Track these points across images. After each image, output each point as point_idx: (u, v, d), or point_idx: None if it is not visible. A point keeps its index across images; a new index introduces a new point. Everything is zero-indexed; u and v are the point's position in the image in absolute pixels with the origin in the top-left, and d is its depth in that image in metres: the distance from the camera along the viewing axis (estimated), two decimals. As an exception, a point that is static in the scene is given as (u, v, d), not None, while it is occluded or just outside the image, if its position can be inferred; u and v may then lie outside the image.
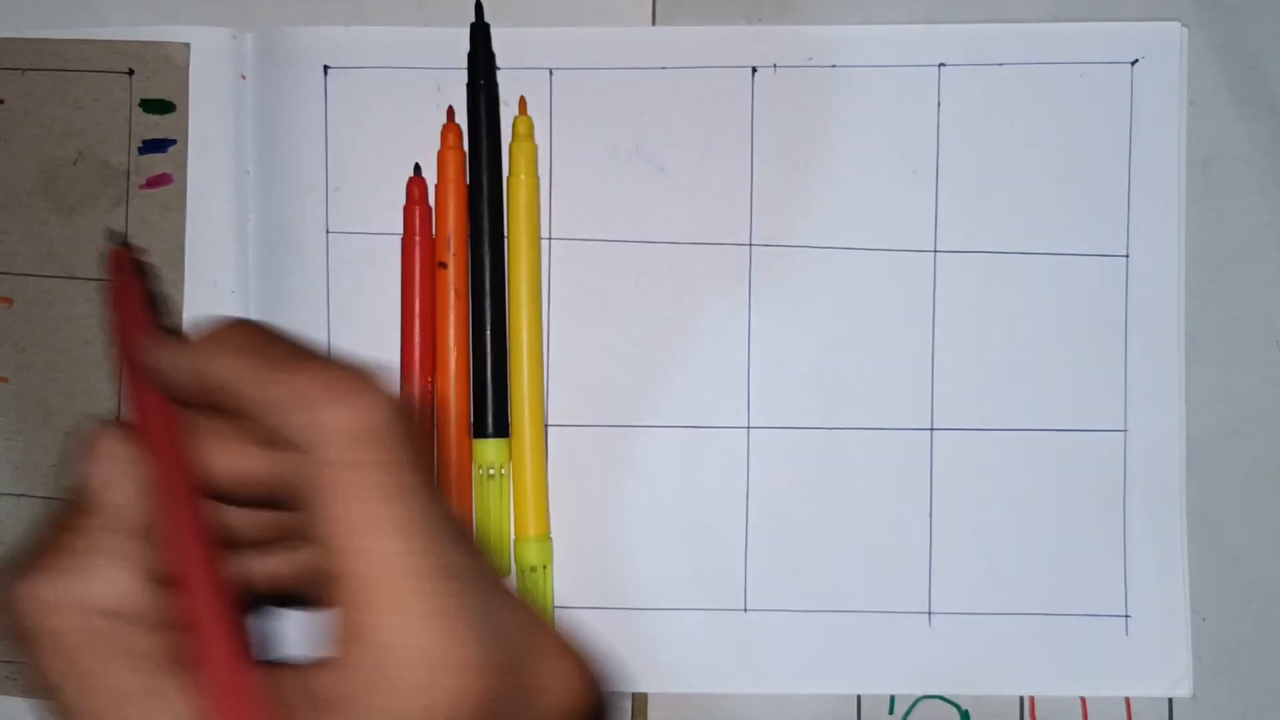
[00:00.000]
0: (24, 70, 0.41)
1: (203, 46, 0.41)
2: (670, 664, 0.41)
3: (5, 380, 0.41)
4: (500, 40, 0.40)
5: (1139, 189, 0.40)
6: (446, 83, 0.41)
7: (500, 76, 0.41)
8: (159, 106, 0.41)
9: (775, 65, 0.41)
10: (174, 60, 0.41)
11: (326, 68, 0.41)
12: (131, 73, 0.41)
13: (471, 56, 0.40)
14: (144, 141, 0.41)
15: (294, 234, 0.41)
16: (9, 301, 0.41)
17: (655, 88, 0.41)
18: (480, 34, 0.40)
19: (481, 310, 0.39)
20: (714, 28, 0.41)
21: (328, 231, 0.41)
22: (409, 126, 0.41)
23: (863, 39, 0.40)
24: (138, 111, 0.41)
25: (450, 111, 0.40)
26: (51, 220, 0.41)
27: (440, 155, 0.40)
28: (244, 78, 0.41)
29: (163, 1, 0.41)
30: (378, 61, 0.41)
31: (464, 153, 0.40)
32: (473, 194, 0.40)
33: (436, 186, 0.40)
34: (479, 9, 0.40)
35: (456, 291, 0.39)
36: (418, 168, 0.40)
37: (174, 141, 0.41)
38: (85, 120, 0.41)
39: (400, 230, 0.40)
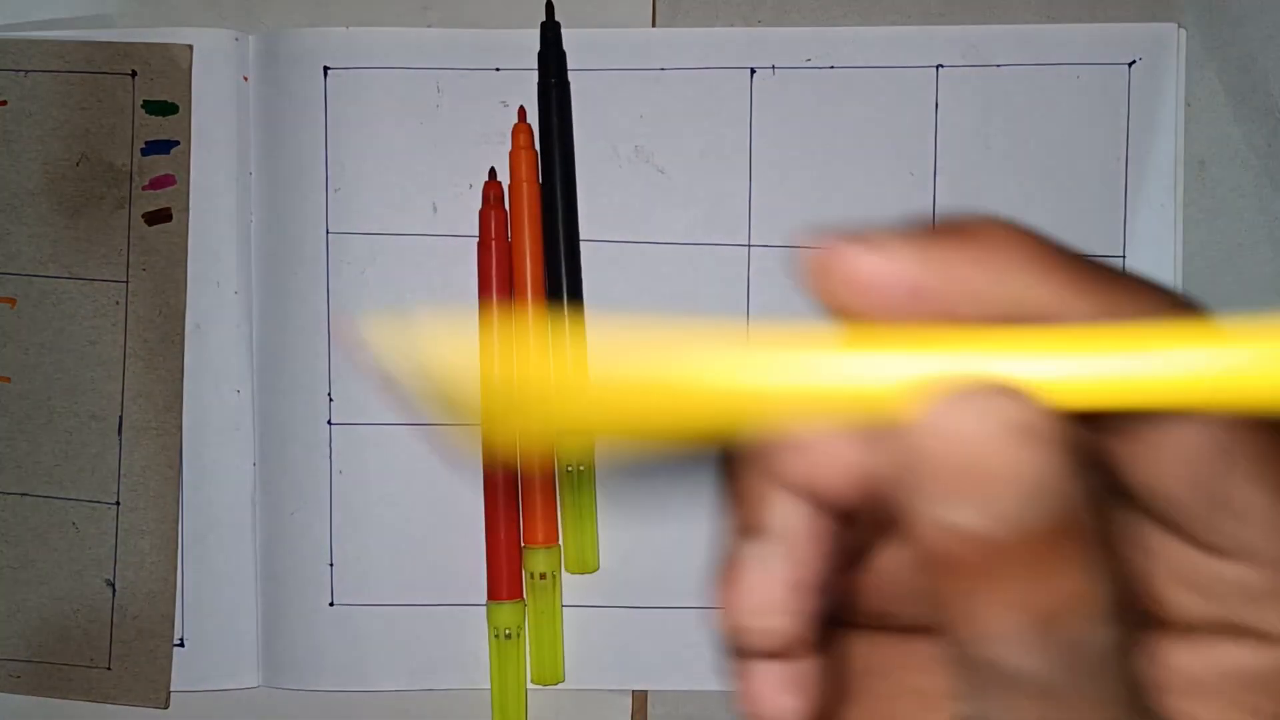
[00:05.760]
0: (27, 72, 0.41)
1: (205, 48, 0.41)
2: (671, 661, 0.41)
3: (8, 380, 0.41)
4: (500, 41, 0.41)
5: (1136, 190, 0.40)
6: (446, 83, 0.41)
7: (500, 78, 0.41)
8: (162, 108, 0.41)
9: (774, 67, 0.41)
10: (177, 62, 0.41)
11: (326, 69, 0.41)
12: (134, 74, 0.41)
13: (542, 55, 0.40)
14: (147, 143, 0.41)
15: (295, 234, 0.41)
16: (12, 302, 0.41)
17: (654, 89, 0.41)
18: (551, 32, 0.40)
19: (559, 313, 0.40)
20: (713, 29, 0.41)
21: (328, 232, 0.41)
22: (409, 127, 0.41)
23: (861, 40, 0.41)
24: (140, 113, 0.41)
25: (521, 111, 0.40)
26: (55, 221, 0.41)
27: (512, 155, 0.40)
28: (246, 79, 0.41)
29: (166, 4, 0.42)
30: (377, 62, 0.41)
31: (535, 152, 0.40)
32: (545, 193, 0.40)
33: (510, 187, 0.40)
34: (549, 8, 0.40)
35: (534, 293, 0.40)
36: (493, 171, 0.40)
37: (177, 142, 0.41)
38: (88, 121, 0.41)
39: (401, 230, 0.41)
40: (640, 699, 0.41)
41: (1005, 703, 0.18)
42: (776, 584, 0.19)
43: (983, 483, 0.16)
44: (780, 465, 0.18)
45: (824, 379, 0.17)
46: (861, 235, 0.17)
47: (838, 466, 0.17)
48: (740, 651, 0.20)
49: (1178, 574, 0.19)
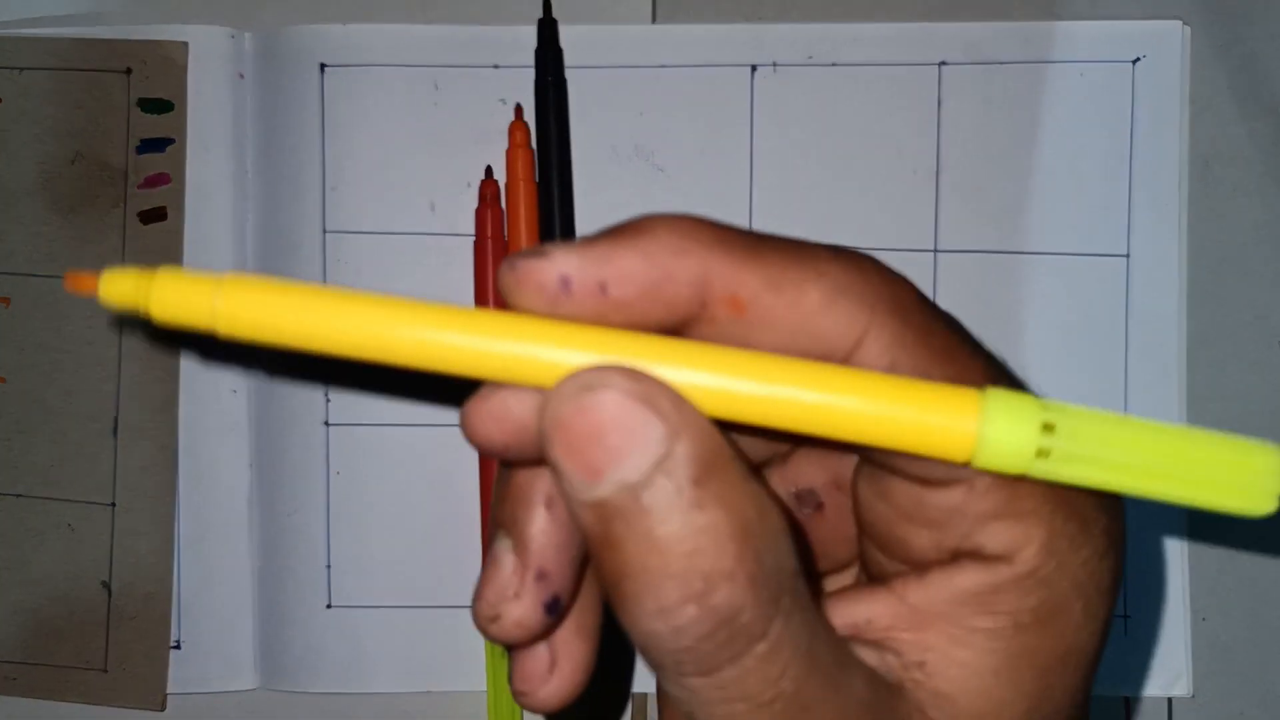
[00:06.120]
0: (22, 69, 0.41)
1: (201, 46, 0.41)
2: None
3: (3, 380, 0.41)
4: (499, 38, 0.40)
5: (1140, 188, 0.40)
6: (444, 81, 0.40)
7: (498, 75, 0.40)
8: (157, 106, 0.41)
9: (775, 64, 0.40)
10: (173, 59, 0.40)
11: (323, 66, 0.41)
12: (129, 72, 0.41)
13: (539, 53, 0.40)
14: (142, 141, 0.41)
15: (292, 234, 0.41)
16: (7, 301, 0.41)
17: (654, 87, 0.40)
18: (548, 29, 0.40)
19: None
20: (713, 26, 0.40)
21: (324, 231, 0.41)
22: (406, 125, 0.40)
23: (863, 37, 0.40)
24: (135, 111, 0.41)
25: (519, 109, 0.40)
26: (51, 220, 0.41)
27: (509, 154, 0.40)
28: (242, 77, 0.41)
29: (161, 1, 0.41)
30: (375, 60, 0.40)
31: (532, 151, 0.40)
32: (542, 192, 0.40)
33: (507, 185, 0.40)
34: (546, 4, 0.40)
35: None
36: (489, 170, 0.40)
37: (172, 141, 0.41)
38: (83, 120, 0.41)
39: (398, 229, 0.40)
40: (640, 701, 0.41)
41: (679, 684, 0.18)
42: (510, 576, 0.21)
43: (605, 448, 0.18)
44: (467, 426, 0.20)
45: (502, 357, 0.19)
46: (533, 249, 0.19)
47: (506, 429, 0.20)
48: (492, 640, 0.21)
49: (907, 512, 0.20)
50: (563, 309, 0.19)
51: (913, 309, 0.20)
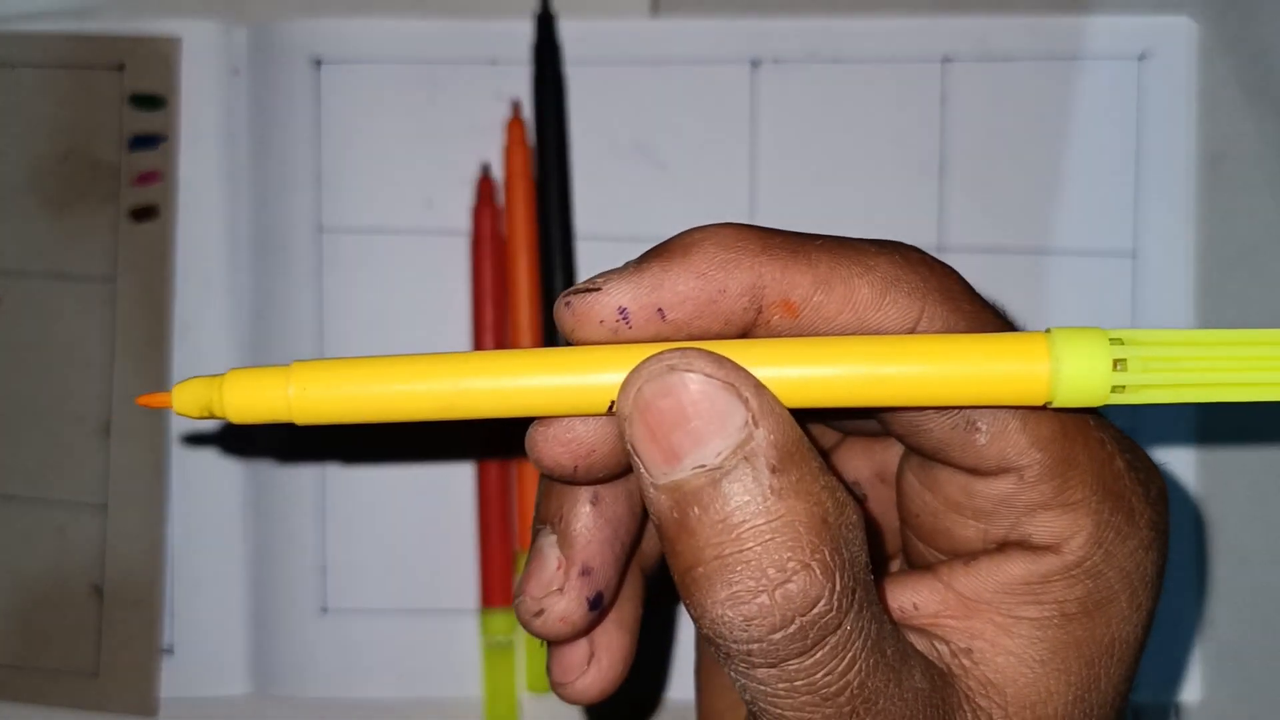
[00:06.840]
0: (12, 66, 0.40)
1: (193, 41, 0.40)
2: (671, 669, 0.40)
3: (-4, 380, 0.41)
4: (496, 33, 0.40)
5: (1147, 186, 0.40)
6: (440, 76, 0.40)
7: (495, 71, 0.40)
8: (149, 102, 0.40)
9: (776, 59, 0.40)
10: (165, 55, 0.40)
11: (319, 62, 0.40)
12: (121, 67, 0.40)
13: (536, 47, 0.39)
14: (134, 137, 0.40)
15: (286, 232, 0.40)
16: (-1, 300, 0.41)
17: (654, 82, 0.40)
18: (545, 23, 0.39)
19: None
20: (714, 20, 0.40)
21: (320, 230, 0.40)
22: (402, 121, 0.40)
23: (865, 32, 0.40)
24: (127, 107, 0.40)
25: (516, 106, 0.40)
26: (41, 218, 0.40)
27: (506, 151, 0.39)
28: (238, 72, 0.40)
29: (154, -5, 0.41)
30: (370, 55, 0.40)
31: (529, 148, 0.39)
32: (540, 189, 0.39)
33: (504, 183, 0.39)
34: None
35: (530, 289, 0.39)
36: (486, 167, 0.40)
37: (164, 137, 0.40)
38: (74, 116, 0.40)
39: (394, 227, 0.40)
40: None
41: (748, 677, 0.19)
42: (555, 571, 0.21)
43: (687, 431, 0.18)
44: (534, 452, 0.21)
45: (569, 385, 0.19)
46: (585, 283, 0.20)
47: (575, 451, 0.20)
48: (535, 635, 0.22)
49: (955, 503, 0.21)
50: (623, 337, 0.20)
51: (961, 297, 0.20)
